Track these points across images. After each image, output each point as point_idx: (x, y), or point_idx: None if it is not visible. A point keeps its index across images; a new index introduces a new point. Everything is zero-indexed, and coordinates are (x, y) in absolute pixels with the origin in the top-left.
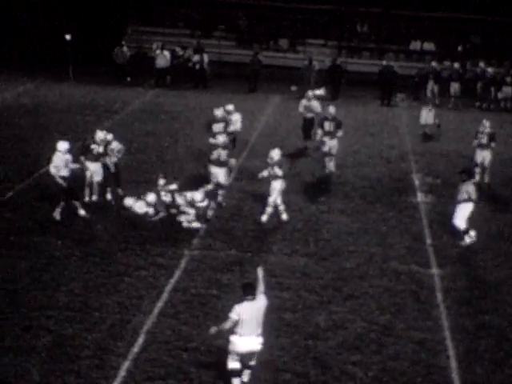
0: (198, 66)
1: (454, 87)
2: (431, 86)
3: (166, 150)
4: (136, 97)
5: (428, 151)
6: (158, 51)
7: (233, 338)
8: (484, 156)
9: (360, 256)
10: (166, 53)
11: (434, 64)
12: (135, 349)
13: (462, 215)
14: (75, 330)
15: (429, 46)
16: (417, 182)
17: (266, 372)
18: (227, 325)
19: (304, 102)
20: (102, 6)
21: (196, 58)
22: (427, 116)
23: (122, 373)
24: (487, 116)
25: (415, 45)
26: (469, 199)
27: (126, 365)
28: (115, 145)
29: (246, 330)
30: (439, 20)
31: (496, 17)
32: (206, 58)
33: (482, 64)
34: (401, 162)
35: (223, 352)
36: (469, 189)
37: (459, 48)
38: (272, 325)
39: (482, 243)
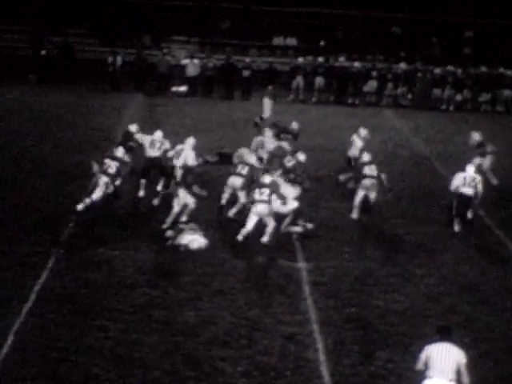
0: (111, 68)
1: (319, 81)
2: (297, 81)
3: (31, 148)
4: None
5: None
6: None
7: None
8: None
9: (227, 251)
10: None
11: (299, 59)
12: (4, 350)
13: None
14: None
15: (291, 41)
16: None
17: None
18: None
19: None
20: None
21: (110, 59)
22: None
23: None
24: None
25: (278, 40)
26: None
27: None
28: None
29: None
30: (301, 15)
31: (357, 11)
32: (119, 59)
33: (341, 58)
34: None
35: (92, 351)
36: None
37: (322, 43)
38: (141, 322)
39: (348, 236)
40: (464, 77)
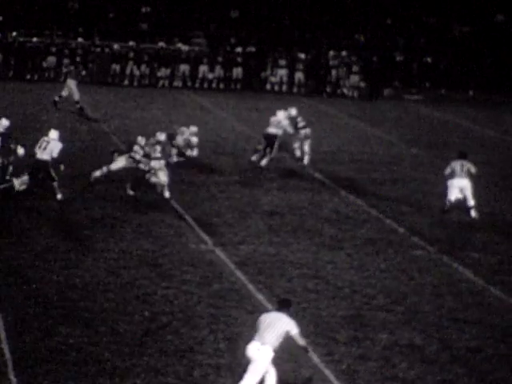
0: None
1: None
2: None
3: None
4: None
5: None
6: None
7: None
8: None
9: None
10: None
11: None
12: None
13: None
14: None
15: None
16: None
17: None
18: None
19: None
20: None
21: None
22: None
23: None
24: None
25: None
26: None
27: None
28: None
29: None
30: None
31: None
32: None
33: (14, 33)
34: None
35: None
36: None
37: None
38: None
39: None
40: (141, 52)
